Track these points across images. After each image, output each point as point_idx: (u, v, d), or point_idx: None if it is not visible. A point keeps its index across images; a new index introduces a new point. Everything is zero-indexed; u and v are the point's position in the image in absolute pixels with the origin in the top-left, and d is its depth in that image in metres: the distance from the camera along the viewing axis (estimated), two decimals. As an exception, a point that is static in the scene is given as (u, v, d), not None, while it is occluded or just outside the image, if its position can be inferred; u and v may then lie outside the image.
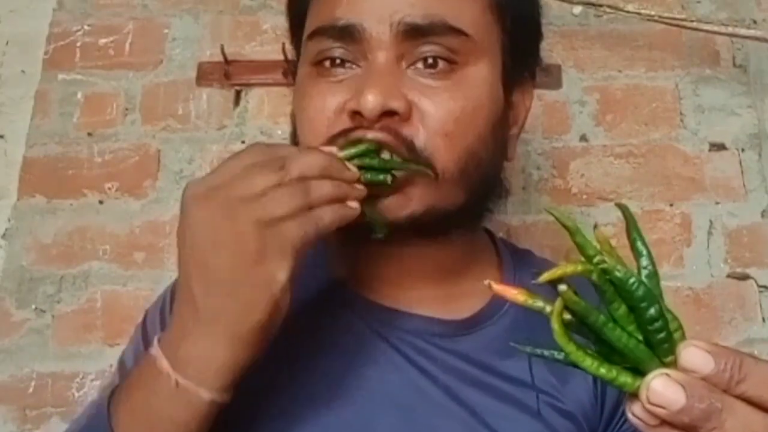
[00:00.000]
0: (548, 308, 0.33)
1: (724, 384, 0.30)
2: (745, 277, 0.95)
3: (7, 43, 1.09)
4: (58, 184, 1.02)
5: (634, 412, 0.32)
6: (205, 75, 1.05)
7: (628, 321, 0.33)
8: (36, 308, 0.96)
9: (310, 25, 0.57)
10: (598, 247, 0.34)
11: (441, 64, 0.53)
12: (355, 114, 0.51)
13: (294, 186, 0.44)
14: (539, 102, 1.03)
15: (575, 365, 0.33)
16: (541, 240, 0.96)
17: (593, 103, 1.03)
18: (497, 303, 0.58)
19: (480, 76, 0.55)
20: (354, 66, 0.54)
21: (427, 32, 0.52)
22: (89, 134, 1.04)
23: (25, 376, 0.93)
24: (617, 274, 0.33)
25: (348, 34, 0.53)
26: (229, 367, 0.44)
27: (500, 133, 0.58)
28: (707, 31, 0.96)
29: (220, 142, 1.03)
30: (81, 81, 1.06)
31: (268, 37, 1.07)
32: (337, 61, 0.54)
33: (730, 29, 0.94)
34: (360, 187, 0.49)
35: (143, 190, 1.01)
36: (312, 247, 0.45)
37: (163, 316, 0.63)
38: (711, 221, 0.98)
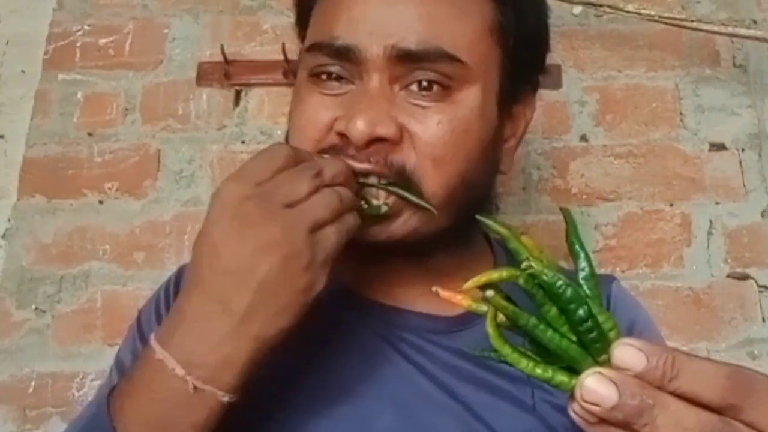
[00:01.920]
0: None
1: (657, 381, 0.31)
2: (745, 277, 0.95)
3: (7, 43, 1.09)
4: (58, 184, 1.02)
5: (574, 410, 0.32)
6: (205, 75, 1.05)
7: (560, 322, 0.34)
8: (36, 308, 0.96)
9: (310, 36, 0.58)
10: (527, 253, 0.35)
11: (435, 87, 0.53)
12: (343, 136, 0.52)
13: (332, 192, 0.46)
14: (539, 102, 1.02)
15: (513, 366, 0.35)
16: (541, 240, 0.95)
17: (593, 103, 1.03)
18: None
19: (472, 99, 0.55)
20: (349, 84, 0.55)
21: (421, 58, 0.52)
22: (89, 134, 1.04)
23: (25, 376, 0.93)
24: (544, 277, 0.34)
25: (344, 54, 0.53)
26: (248, 369, 0.44)
27: (492, 152, 0.58)
28: (707, 31, 0.96)
29: (220, 142, 1.03)
30: (81, 81, 1.06)
31: (268, 37, 1.07)
32: (334, 75, 0.55)
33: (730, 29, 0.94)
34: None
35: (143, 190, 1.01)
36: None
37: (159, 315, 0.63)
38: (711, 221, 0.98)
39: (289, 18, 0.68)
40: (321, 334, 0.58)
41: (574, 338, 0.34)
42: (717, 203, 0.99)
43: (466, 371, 0.56)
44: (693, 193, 0.99)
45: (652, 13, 0.95)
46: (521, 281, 0.34)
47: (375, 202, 0.52)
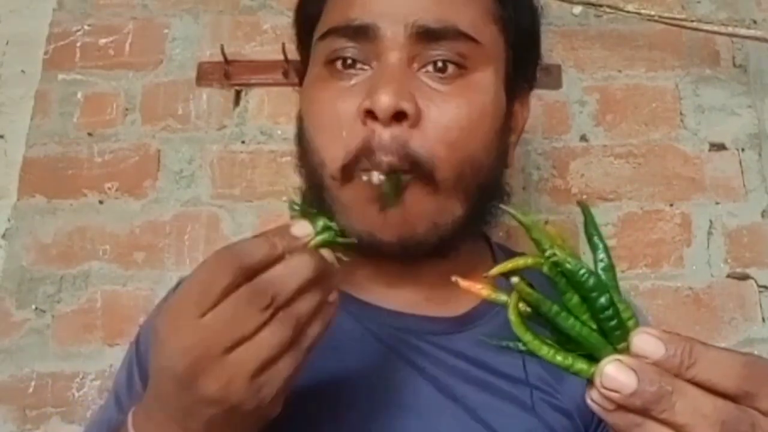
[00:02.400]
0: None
1: (675, 368, 0.31)
2: (745, 277, 0.95)
3: (7, 43, 1.09)
4: (58, 184, 1.01)
5: (592, 397, 0.33)
6: (205, 75, 1.05)
7: (581, 311, 0.35)
8: (36, 308, 0.96)
9: (322, 27, 0.58)
10: (551, 242, 0.36)
11: (450, 68, 0.54)
12: (368, 115, 0.52)
13: (284, 319, 0.40)
14: (539, 102, 1.03)
15: (534, 354, 0.35)
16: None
17: (593, 103, 1.03)
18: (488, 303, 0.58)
19: (487, 81, 0.56)
20: (365, 67, 0.55)
21: (440, 36, 0.54)
22: (89, 134, 1.04)
23: (25, 376, 0.93)
24: (568, 265, 0.34)
25: (362, 33, 0.54)
26: None
27: (503, 140, 0.60)
28: (707, 31, 0.96)
29: (220, 142, 1.03)
30: (81, 81, 1.06)
31: (268, 37, 1.07)
32: (349, 61, 0.55)
33: (730, 29, 0.94)
34: (336, 274, 0.45)
35: (143, 190, 1.01)
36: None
37: None
38: (711, 221, 0.98)
39: (289, 18, 0.68)
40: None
41: (594, 326, 0.34)
42: (717, 203, 0.98)
43: (466, 372, 0.56)
44: (693, 193, 0.99)
45: (652, 13, 0.95)
46: (545, 269, 0.35)
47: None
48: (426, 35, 0.54)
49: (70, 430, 0.91)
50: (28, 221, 1.00)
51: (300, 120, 0.61)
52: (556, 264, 0.35)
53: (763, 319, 0.94)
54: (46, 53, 1.08)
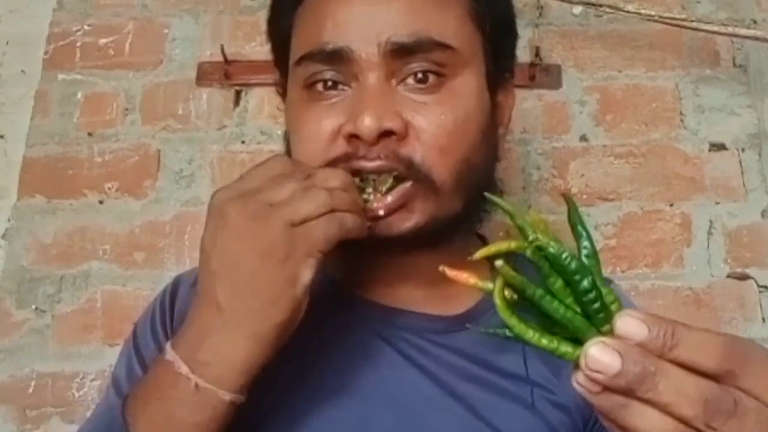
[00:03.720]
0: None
1: (658, 349, 0.32)
2: (745, 277, 0.95)
3: (7, 43, 1.09)
4: (58, 184, 1.01)
5: (578, 380, 0.33)
6: (205, 75, 1.05)
7: (565, 294, 0.35)
8: (36, 308, 0.96)
9: (297, 50, 0.58)
10: (534, 227, 0.37)
11: (430, 78, 0.55)
12: (352, 138, 0.53)
13: (320, 190, 0.46)
14: (539, 102, 1.03)
15: (519, 338, 0.35)
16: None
17: (593, 103, 1.03)
18: (491, 299, 0.59)
19: (467, 85, 0.57)
20: (345, 87, 0.55)
21: (414, 50, 0.54)
22: (89, 134, 1.04)
23: (25, 376, 0.93)
24: (551, 249, 0.35)
25: (337, 57, 0.54)
26: (249, 367, 0.45)
27: (491, 137, 0.60)
28: (707, 31, 0.96)
29: (220, 142, 1.03)
30: (81, 81, 1.06)
31: (268, 37, 1.07)
32: (329, 83, 0.55)
33: (730, 29, 0.94)
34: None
35: (143, 190, 1.01)
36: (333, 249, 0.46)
37: (154, 329, 0.63)
38: (711, 221, 0.98)
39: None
40: (321, 336, 0.58)
41: (578, 310, 0.35)
42: (717, 203, 0.98)
43: (466, 370, 0.56)
44: (693, 193, 0.99)
45: (652, 13, 0.95)
46: (529, 253, 0.35)
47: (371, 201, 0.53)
48: (401, 51, 0.54)
49: (70, 430, 0.91)
50: (28, 221, 1.00)
51: (285, 135, 0.62)
52: (539, 248, 0.35)
53: (763, 319, 0.94)
54: (46, 53, 1.08)
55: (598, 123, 1.03)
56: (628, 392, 0.32)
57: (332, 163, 0.54)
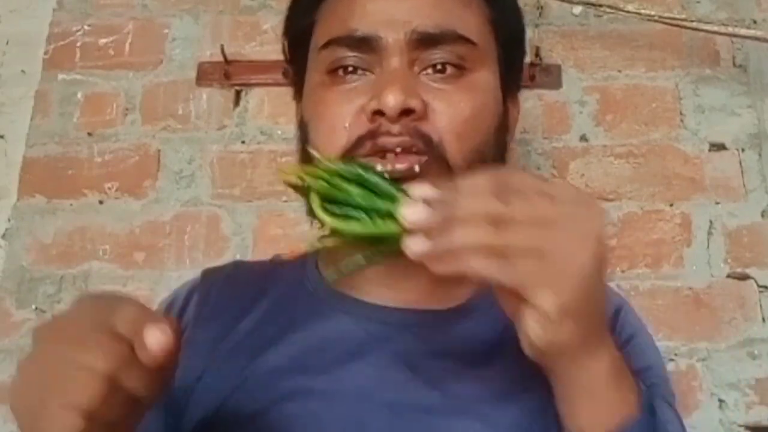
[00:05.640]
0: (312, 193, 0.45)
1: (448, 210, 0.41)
2: (745, 277, 0.95)
3: (7, 43, 1.09)
4: (58, 184, 1.01)
5: (409, 247, 0.42)
6: (205, 75, 1.05)
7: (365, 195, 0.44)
8: (36, 308, 0.96)
9: (322, 36, 0.60)
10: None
11: (450, 69, 0.57)
12: (376, 114, 0.54)
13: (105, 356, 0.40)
14: (539, 102, 1.03)
15: (343, 233, 0.43)
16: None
17: (593, 103, 1.03)
18: (482, 295, 0.59)
19: (485, 80, 0.59)
20: (367, 73, 0.57)
21: (439, 40, 0.57)
22: (89, 134, 1.04)
23: (25, 376, 0.93)
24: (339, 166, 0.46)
25: (365, 43, 0.57)
26: None
27: (501, 138, 0.62)
28: (707, 31, 0.96)
29: (220, 142, 1.03)
30: (81, 81, 1.06)
31: (268, 37, 1.07)
32: (350, 68, 0.58)
33: (730, 29, 0.94)
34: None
35: (143, 190, 1.01)
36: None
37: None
38: (711, 221, 0.98)
39: (290, 18, 0.68)
40: (314, 336, 0.58)
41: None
42: (717, 203, 0.98)
43: (459, 368, 0.56)
44: (693, 193, 0.99)
45: (652, 13, 0.95)
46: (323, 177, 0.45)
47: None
48: (425, 40, 0.56)
49: (70, 430, 0.91)
50: (28, 221, 1.00)
51: (302, 129, 0.63)
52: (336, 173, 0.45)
53: (763, 319, 0.94)
54: (46, 53, 1.08)
55: (598, 123, 1.03)
56: (446, 230, 0.40)
57: (358, 142, 0.55)
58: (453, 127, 0.55)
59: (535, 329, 0.41)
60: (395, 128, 0.54)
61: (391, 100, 0.53)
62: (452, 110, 0.56)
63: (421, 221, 0.42)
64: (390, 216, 0.42)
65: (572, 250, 0.41)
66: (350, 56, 0.57)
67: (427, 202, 0.42)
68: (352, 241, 0.44)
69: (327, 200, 0.44)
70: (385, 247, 0.43)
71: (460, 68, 0.57)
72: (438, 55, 0.57)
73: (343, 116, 0.56)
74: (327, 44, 0.59)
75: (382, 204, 0.43)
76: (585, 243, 0.41)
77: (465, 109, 0.56)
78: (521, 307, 0.41)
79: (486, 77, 0.59)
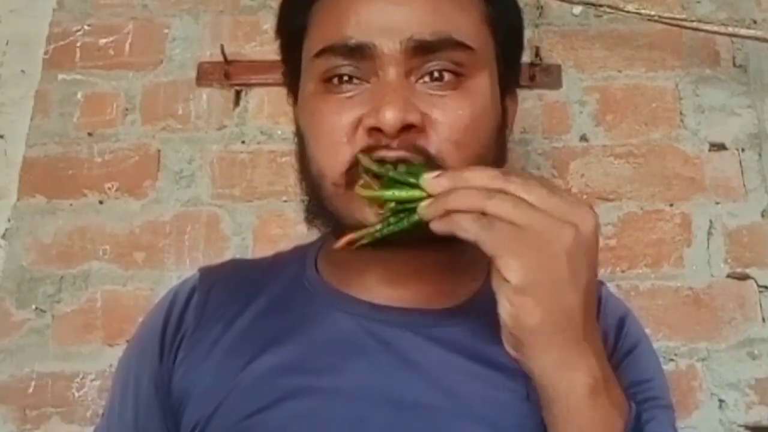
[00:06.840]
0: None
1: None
2: (745, 277, 0.95)
3: (7, 43, 1.09)
4: (58, 184, 1.01)
5: (423, 214, 0.48)
6: (205, 75, 1.05)
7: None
8: (36, 308, 0.96)
9: (315, 44, 0.58)
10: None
11: (447, 76, 0.56)
12: (373, 130, 0.53)
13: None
14: (539, 102, 1.03)
15: (379, 199, 0.51)
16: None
17: (593, 103, 1.03)
18: (483, 292, 0.59)
19: (483, 85, 0.58)
20: (363, 82, 0.56)
21: (435, 48, 0.55)
22: (89, 134, 1.04)
23: (25, 376, 0.93)
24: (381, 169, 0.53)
25: (358, 52, 0.55)
26: None
27: (501, 139, 0.62)
28: (707, 31, 0.96)
29: (220, 142, 1.03)
30: (81, 81, 1.06)
31: (268, 37, 1.06)
32: (345, 77, 0.56)
33: (730, 29, 0.94)
34: None
35: (143, 190, 1.01)
36: None
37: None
38: (711, 221, 0.98)
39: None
40: (313, 335, 0.58)
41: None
42: (717, 203, 0.98)
43: (460, 364, 0.57)
44: (693, 193, 0.99)
45: (652, 13, 0.95)
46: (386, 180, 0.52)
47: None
48: (422, 48, 0.55)
49: (70, 430, 0.91)
50: (28, 221, 1.00)
51: (299, 135, 0.62)
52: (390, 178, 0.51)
53: (763, 319, 0.94)
54: (46, 53, 1.08)
55: (598, 123, 1.03)
56: (469, 199, 0.45)
57: (351, 169, 0.55)
58: (452, 136, 0.55)
59: (503, 303, 0.44)
60: (394, 143, 0.53)
61: (391, 119, 0.52)
62: (451, 119, 0.55)
63: (437, 184, 0.47)
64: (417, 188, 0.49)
65: (550, 238, 0.43)
66: (345, 65, 0.56)
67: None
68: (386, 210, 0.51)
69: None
70: (405, 214, 0.50)
71: (458, 75, 0.56)
72: (435, 63, 0.56)
73: (340, 129, 0.55)
74: (321, 52, 0.57)
75: (411, 179, 0.50)
76: (564, 238, 0.44)
77: (464, 117, 0.55)
78: (498, 284, 0.44)
79: (484, 81, 0.58)
